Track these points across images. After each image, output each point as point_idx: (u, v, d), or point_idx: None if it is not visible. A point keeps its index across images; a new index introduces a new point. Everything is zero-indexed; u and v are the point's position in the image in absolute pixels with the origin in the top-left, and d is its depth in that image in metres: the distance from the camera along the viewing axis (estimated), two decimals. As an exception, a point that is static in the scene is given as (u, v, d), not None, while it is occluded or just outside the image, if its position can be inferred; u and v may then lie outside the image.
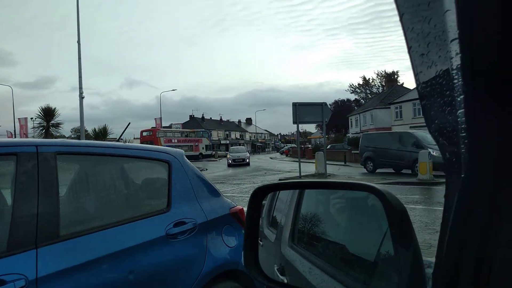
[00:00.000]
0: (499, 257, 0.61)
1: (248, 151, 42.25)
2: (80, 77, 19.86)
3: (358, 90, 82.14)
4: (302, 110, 17.82)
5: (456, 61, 0.47)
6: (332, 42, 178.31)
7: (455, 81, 0.49)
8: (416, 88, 0.55)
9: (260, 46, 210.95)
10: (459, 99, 0.51)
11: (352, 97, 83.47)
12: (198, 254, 2.95)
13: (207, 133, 62.53)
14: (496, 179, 0.59)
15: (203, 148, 55.61)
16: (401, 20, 0.51)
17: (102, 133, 29.81)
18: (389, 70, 78.48)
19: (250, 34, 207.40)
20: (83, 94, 20.08)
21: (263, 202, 1.47)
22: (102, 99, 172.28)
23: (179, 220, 2.89)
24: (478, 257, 0.62)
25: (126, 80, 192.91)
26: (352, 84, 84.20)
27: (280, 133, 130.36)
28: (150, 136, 48.31)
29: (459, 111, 0.52)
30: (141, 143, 45.14)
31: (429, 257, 0.80)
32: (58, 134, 32.55)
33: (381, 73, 78.52)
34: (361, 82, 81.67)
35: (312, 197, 1.40)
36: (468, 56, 0.47)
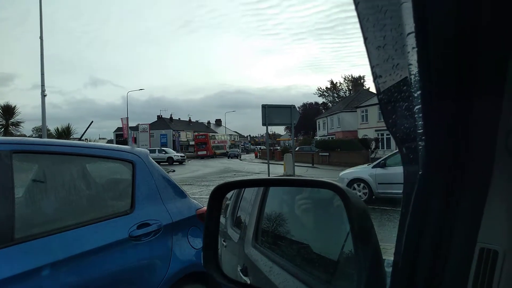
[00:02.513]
0: (453, 254, 0.62)
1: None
2: (42, 74, 19.13)
3: (326, 94, 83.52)
4: (271, 112, 17.91)
5: (413, 56, 0.47)
6: (299, 46, 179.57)
7: (412, 76, 0.49)
8: (373, 81, 0.54)
9: (228, 48, 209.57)
10: (416, 94, 0.51)
11: (320, 100, 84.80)
12: (163, 256, 2.89)
13: (229, 137, 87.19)
14: (451, 176, 0.60)
15: (228, 147, 75.17)
16: (356, 8, 0.50)
17: (65, 133, 28.75)
18: (356, 75, 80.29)
19: (218, 36, 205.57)
20: (45, 92, 19.34)
21: (227, 201, 1.45)
22: (64, 98, 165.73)
23: (143, 221, 2.81)
24: (434, 255, 0.63)
25: (90, 79, 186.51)
26: (320, 88, 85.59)
27: (249, 135, 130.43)
28: (204, 139, 67.72)
29: (416, 106, 0.53)
30: (195, 143, 67.62)
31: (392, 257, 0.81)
32: (18, 133, 31.10)
33: (348, 78, 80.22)
34: (329, 86, 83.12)
35: (276, 197, 1.39)
36: (424, 51, 0.47)
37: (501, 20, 0.46)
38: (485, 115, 0.54)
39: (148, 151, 3.43)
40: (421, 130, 0.56)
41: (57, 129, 30.69)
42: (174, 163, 41.93)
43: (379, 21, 0.50)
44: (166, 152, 46.14)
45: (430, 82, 0.50)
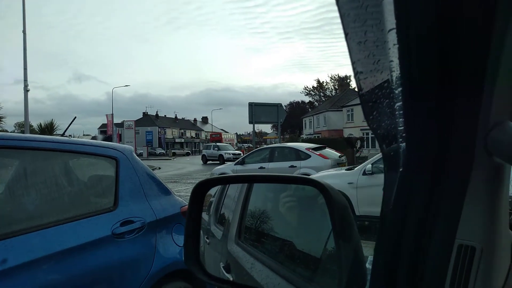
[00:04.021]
0: (433, 251, 0.63)
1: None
2: (25, 69, 18.76)
3: (313, 93, 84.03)
4: (258, 110, 17.94)
5: (394, 52, 0.47)
6: (285, 45, 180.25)
7: (393, 73, 0.49)
8: (354, 77, 0.55)
9: (215, 46, 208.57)
10: (397, 91, 0.51)
11: (307, 99, 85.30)
12: (147, 254, 2.87)
13: (236, 135, 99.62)
14: (432, 175, 0.60)
15: (235, 144, 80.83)
16: (337, 3, 0.50)
17: (48, 129, 28.16)
18: (342, 74, 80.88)
19: (205, 34, 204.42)
20: (28, 87, 18.97)
21: (211, 198, 1.44)
22: (48, 94, 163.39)
23: (126, 219, 2.78)
24: (414, 251, 0.63)
25: (75, 74, 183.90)
26: (307, 87, 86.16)
27: (236, 133, 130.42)
28: (218, 137, 71.10)
29: (397, 104, 0.53)
30: (211, 141, 65.28)
31: None
32: (0, 129, 30.40)
33: (334, 77, 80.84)
34: (315, 85, 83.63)
35: (260, 194, 1.39)
36: (405, 48, 0.47)
37: (482, 19, 0.47)
38: (465, 115, 0.55)
39: (132, 148, 3.39)
40: (402, 128, 0.56)
41: (40, 124, 30.04)
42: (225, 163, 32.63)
43: (360, 17, 0.50)
44: (219, 149, 37.89)
45: (411, 80, 0.50)
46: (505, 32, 0.46)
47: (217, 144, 41.46)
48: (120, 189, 2.88)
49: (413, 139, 0.57)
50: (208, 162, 36.57)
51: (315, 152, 11.82)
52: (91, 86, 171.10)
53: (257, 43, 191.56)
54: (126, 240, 2.73)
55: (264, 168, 11.96)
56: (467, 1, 0.45)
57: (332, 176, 8.14)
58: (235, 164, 13.10)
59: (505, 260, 0.70)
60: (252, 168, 12.12)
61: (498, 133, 0.55)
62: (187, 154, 73.91)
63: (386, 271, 0.66)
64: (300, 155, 11.84)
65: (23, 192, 2.63)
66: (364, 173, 7.20)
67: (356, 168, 7.70)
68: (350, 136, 39.77)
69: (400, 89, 0.51)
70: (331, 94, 76.43)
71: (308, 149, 11.99)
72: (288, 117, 23.84)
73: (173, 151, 70.71)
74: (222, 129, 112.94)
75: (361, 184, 7.06)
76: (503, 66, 0.50)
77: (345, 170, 8.34)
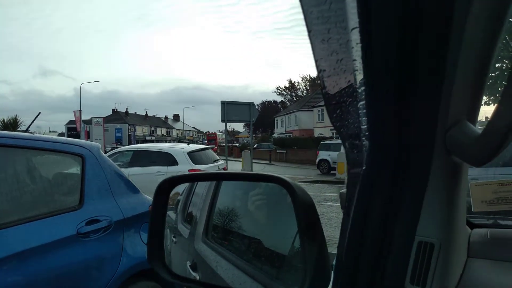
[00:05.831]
0: (394, 248, 0.64)
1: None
2: (-14, 61, 17.97)
3: (284, 93, 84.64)
4: (231, 109, 17.87)
5: (357, 51, 0.48)
6: (258, 44, 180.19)
7: (356, 72, 0.50)
8: (317, 75, 0.55)
9: (186, 44, 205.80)
10: (360, 90, 0.52)
11: (279, 99, 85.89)
12: (113, 253, 2.81)
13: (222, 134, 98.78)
14: (393, 172, 0.61)
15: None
16: (301, 0, 0.50)
17: (12, 124, 27.04)
18: (313, 75, 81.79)
19: (176, 31, 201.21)
20: (-10, 81, 18.20)
21: (179, 196, 1.42)
22: (11, 88, 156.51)
23: (92, 217, 2.71)
24: (376, 248, 0.65)
25: (40, 69, 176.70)
26: (279, 87, 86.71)
27: (208, 131, 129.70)
28: (213, 136, 69.13)
29: (360, 102, 0.53)
30: (207, 140, 66.06)
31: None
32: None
33: (306, 77, 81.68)
34: (287, 85, 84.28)
35: (229, 192, 1.38)
36: (367, 47, 0.47)
37: (441, 20, 0.48)
38: (425, 114, 0.56)
39: (100, 145, 3.31)
40: (365, 126, 0.57)
41: (3, 120, 28.80)
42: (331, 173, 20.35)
43: (323, 14, 0.50)
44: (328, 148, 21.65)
45: (373, 79, 0.51)
46: (462, 34, 0.47)
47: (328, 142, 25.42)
48: (86, 187, 2.80)
49: (375, 138, 0.58)
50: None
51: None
52: (57, 81, 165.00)
53: (229, 42, 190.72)
54: (92, 240, 2.67)
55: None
56: (426, 3, 0.46)
57: None
58: None
59: (462, 256, 0.72)
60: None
61: (456, 132, 0.56)
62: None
63: (348, 268, 0.67)
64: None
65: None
66: None
67: None
68: (320, 135, 40.43)
69: (362, 88, 0.51)
70: (303, 94, 77.21)
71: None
72: (260, 116, 23.79)
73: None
74: (194, 127, 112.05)
75: None
76: (460, 68, 0.52)
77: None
